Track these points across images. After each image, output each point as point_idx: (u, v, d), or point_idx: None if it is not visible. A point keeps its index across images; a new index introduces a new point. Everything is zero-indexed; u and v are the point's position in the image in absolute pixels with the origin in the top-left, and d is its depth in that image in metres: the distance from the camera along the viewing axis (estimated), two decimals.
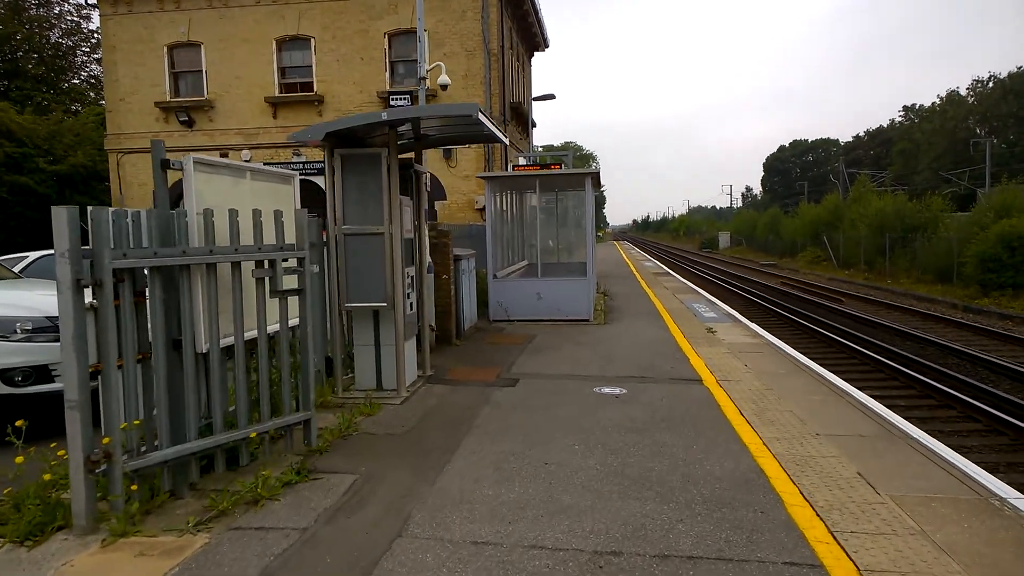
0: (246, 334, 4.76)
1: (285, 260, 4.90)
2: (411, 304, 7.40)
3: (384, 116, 6.18)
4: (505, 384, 7.54)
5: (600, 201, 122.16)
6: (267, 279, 4.86)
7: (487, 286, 12.49)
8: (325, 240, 7.08)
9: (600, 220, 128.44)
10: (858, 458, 4.90)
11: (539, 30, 25.81)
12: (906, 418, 7.39)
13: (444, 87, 11.12)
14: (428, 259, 9.36)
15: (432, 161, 19.81)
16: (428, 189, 9.37)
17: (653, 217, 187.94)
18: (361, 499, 4.37)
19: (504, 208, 15.12)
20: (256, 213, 4.78)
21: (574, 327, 11.78)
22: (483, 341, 10.42)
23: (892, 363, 12.41)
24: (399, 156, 7.62)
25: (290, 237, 5.05)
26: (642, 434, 5.62)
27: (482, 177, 12.47)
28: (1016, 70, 68.35)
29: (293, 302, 5.15)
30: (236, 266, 4.70)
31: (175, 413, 4.46)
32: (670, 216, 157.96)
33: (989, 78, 71.43)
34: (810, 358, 10.87)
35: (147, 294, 4.39)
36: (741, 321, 12.85)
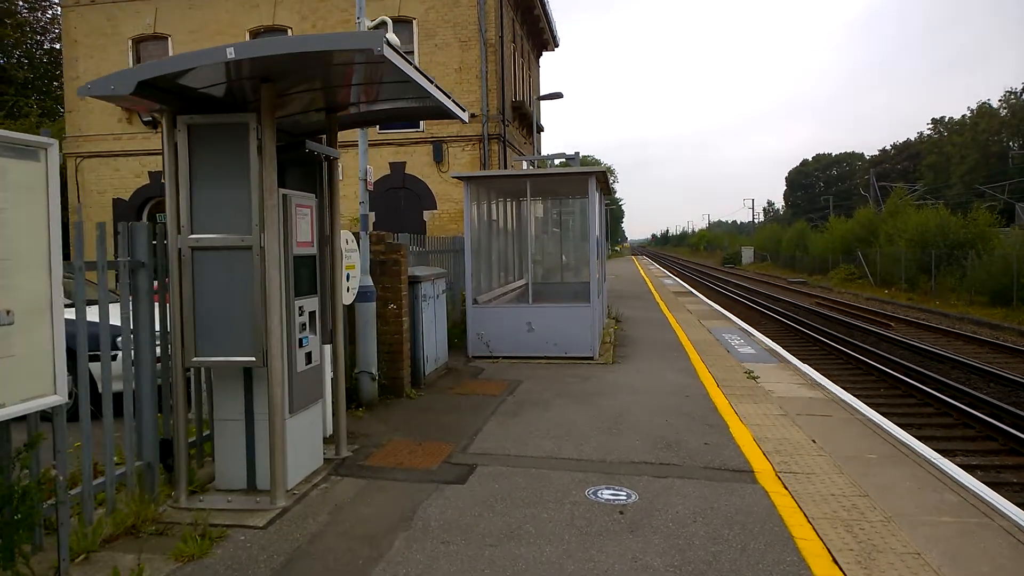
0: None
1: None
2: (309, 354, 4.86)
3: (231, 54, 3.66)
4: (451, 478, 4.93)
5: (618, 215, 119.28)
6: None
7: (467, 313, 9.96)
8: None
9: (618, 234, 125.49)
10: None
11: (547, 25, 23.39)
12: None
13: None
14: (367, 282, 6.83)
15: (421, 166, 17.40)
16: (368, 185, 6.85)
17: (672, 232, 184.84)
18: None
19: (495, 217, 12.60)
20: None
21: (573, 368, 9.16)
22: (448, 391, 7.83)
23: (984, 416, 9.65)
24: (303, 136, 5.13)
25: None
26: None
27: (459, 178, 9.97)
28: None
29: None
30: None
31: None
32: (690, 231, 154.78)
33: (1022, 89, 68.14)
34: (875, 407, 8.22)
35: None
36: (787, 359, 10.15)
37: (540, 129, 24.13)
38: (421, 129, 17.23)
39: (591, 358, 9.61)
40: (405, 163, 17.35)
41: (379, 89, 4.93)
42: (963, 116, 75.71)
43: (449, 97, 5.06)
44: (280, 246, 4.50)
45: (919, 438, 8.76)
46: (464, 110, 5.51)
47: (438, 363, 8.53)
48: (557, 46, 25.92)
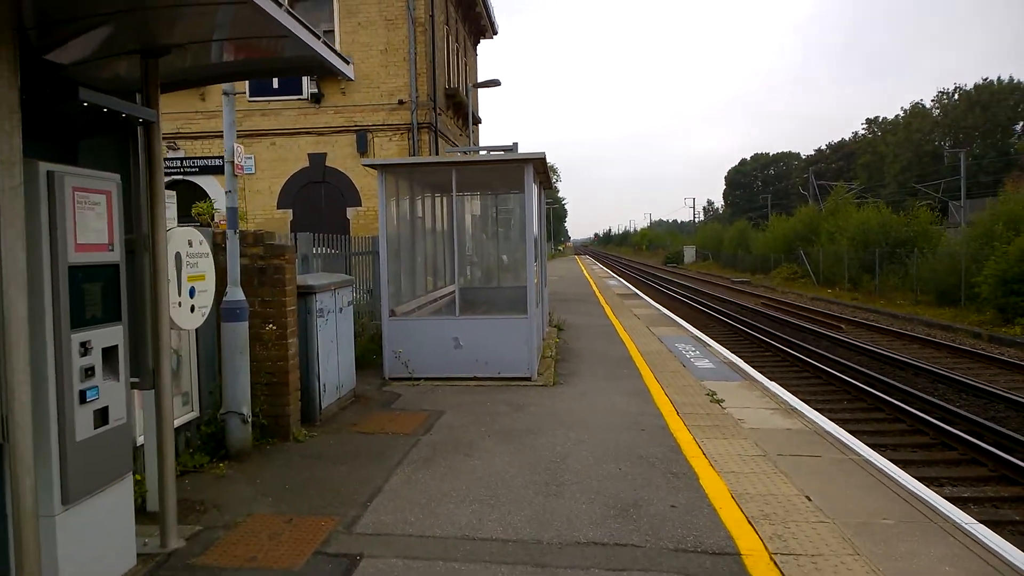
0: None
1: None
2: (104, 411, 3.27)
3: None
4: None
5: (561, 214, 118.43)
6: None
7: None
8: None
9: (561, 233, 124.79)
10: None
11: (484, 9, 21.91)
12: None
13: None
14: (236, 296, 5.24)
15: (344, 158, 15.69)
16: (236, 168, 5.23)
17: (615, 231, 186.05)
18: None
19: (420, 215, 11.09)
20: None
21: (507, 392, 7.73)
22: (350, 429, 6.28)
23: (964, 435, 8.65)
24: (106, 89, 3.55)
25: None
26: None
27: (372, 166, 8.42)
28: (982, 81, 67.02)
29: None
30: None
31: None
32: (632, 230, 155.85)
33: (954, 90, 70.10)
34: (842, 423, 7.09)
35: None
36: (751, 375, 8.96)
37: (477, 121, 22.66)
38: (301, 97, 15.34)
39: (528, 379, 8.20)
40: (326, 155, 15.63)
41: (216, 20, 3.38)
42: (897, 116, 77.65)
43: (319, 37, 3.54)
44: (42, 251, 2.92)
45: (897, 462, 7.68)
46: (348, 62, 4.01)
47: (342, 391, 6.97)
48: (496, 33, 24.48)
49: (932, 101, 73.07)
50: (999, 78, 66.35)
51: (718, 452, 5.58)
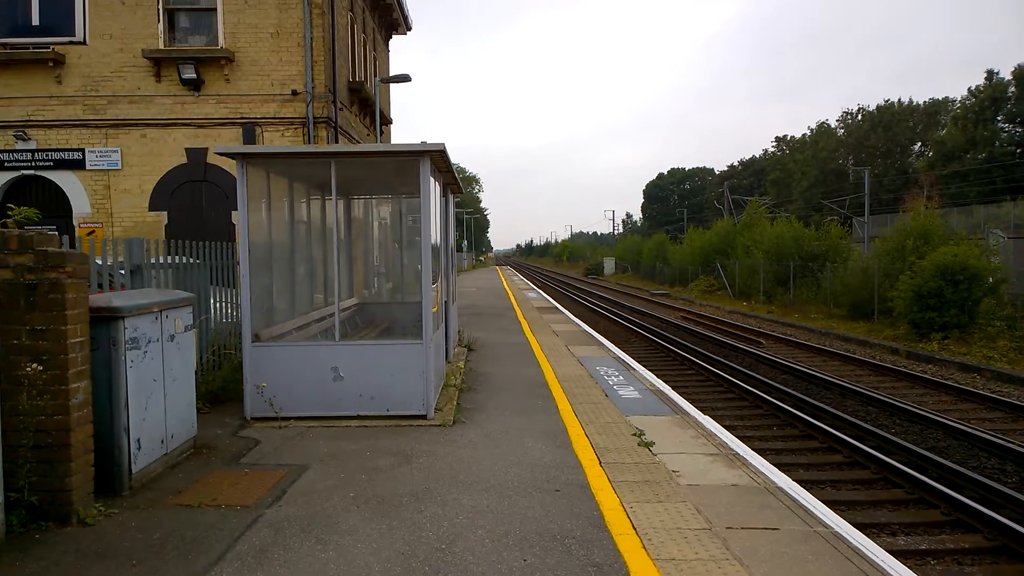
0: None
1: None
2: None
3: None
4: None
5: (483, 224, 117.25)
6: None
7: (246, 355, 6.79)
8: None
9: (484, 244, 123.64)
10: None
11: (395, 1, 20.41)
12: None
13: None
14: None
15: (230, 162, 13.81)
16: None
17: (537, 242, 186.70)
18: None
19: (305, 219, 9.51)
20: None
21: (395, 436, 6.28)
22: (166, 503, 4.66)
23: (906, 469, 7.77)
24: None
25: None
26: None
27: (226, 154, 6.79)
28: (884, 103, 70.21)
29: None
30: None
31: None
32: (553, 241, 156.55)
33: (858, 110, 73.24)
34: (775, 454, 6.08)
35: None
36: (683, 408, 7.82)
37: (388, 121, 21.09)
38: (75, 40, 13.40)
39: (424, 416, 6.77)
40: (207, 150, 13.74)
41: None
42: (803, 135, 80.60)
43: None
44: None
45: (837, 505, 6.77)
46: None
47: (171, 444, 5.34)
48: (409, 29, 22.95)
49: (837, 121, 76.31)
50: (899, 100, 69.81)
51: (652, 525, 4.33)
